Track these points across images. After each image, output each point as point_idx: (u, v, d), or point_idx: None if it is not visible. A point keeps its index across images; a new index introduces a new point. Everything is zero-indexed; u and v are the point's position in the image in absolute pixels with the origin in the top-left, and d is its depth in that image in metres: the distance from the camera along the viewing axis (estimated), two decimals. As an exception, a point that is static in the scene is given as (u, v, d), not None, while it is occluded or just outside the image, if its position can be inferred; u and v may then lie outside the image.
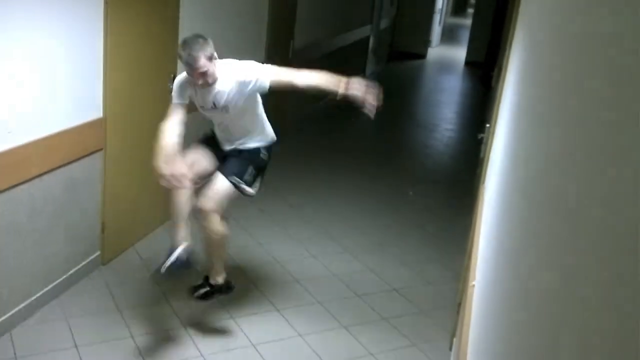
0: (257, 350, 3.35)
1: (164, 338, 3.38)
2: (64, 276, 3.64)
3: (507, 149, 2.07)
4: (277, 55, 6.44)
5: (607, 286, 0.56)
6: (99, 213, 3.88)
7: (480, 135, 3.99)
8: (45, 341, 3.22)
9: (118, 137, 3.87)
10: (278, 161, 6.39)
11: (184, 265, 3.16)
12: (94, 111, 3.64)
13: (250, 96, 3.16)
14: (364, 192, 5.87)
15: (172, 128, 3.09)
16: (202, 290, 3.41)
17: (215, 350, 3.31)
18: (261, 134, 3.38)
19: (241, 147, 3.33)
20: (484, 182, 3.36)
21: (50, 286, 3.54)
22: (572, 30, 1.02)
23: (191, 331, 3.45)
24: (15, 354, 3.11)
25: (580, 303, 0.65)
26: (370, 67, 11.56)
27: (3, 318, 3.22)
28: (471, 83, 13.00)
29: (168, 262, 3.11)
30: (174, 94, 3.19)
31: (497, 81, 4.53)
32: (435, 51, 16.14)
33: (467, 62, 14.55)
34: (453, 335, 3.42)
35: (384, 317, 3.80)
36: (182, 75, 3.18)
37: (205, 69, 2.97)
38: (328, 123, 8.30)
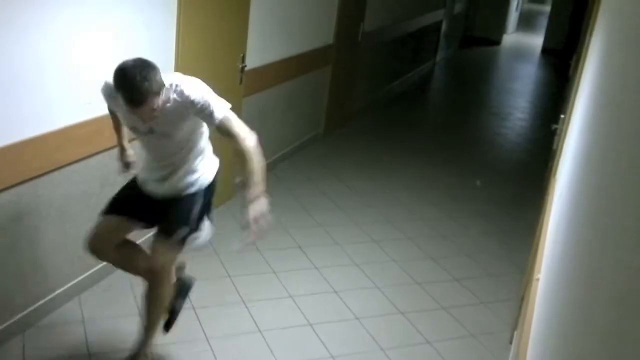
0: (313, 329, 3.38)
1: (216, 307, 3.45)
2: (132, 246, 3.77)
3: (581, 142, 1.99)
4: (346, 37, 6.40)
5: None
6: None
7: (554, 126, 3.86)
8: (111, 307, 3.36)
9: (188, 113, 3.94)
10: (341, 145, 6.42)
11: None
12: (166, 87, 3.72)
13: (194, 122, 2.60)
14: (429, 180, 5.79)
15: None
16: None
17: (270, 327, 3.36)
18: (199, 170, 2.75)
19: (176, 189, 2.72)
20: (555, 175, 3.25)
21: (118, 254, 3.67)
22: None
23: (249, 303, 3.51)
24: (83, 316, 3.26)
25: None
26: (441, 53, 11.35)
27: (74, 282, 3.37)
28: (547, 72, 12.56)
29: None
30: (104, 98, 2.73)
31: (575, 70, 4.35)
32: (511, 38, 15.67)
33: (544, 50, 14.07)
34: (514, 328, 3.35)
35: (443, 307, 3.75)
36: (108, 84, 2.56)
37: (153, 106, 2.36)
38: (394, 108, 8.22)
